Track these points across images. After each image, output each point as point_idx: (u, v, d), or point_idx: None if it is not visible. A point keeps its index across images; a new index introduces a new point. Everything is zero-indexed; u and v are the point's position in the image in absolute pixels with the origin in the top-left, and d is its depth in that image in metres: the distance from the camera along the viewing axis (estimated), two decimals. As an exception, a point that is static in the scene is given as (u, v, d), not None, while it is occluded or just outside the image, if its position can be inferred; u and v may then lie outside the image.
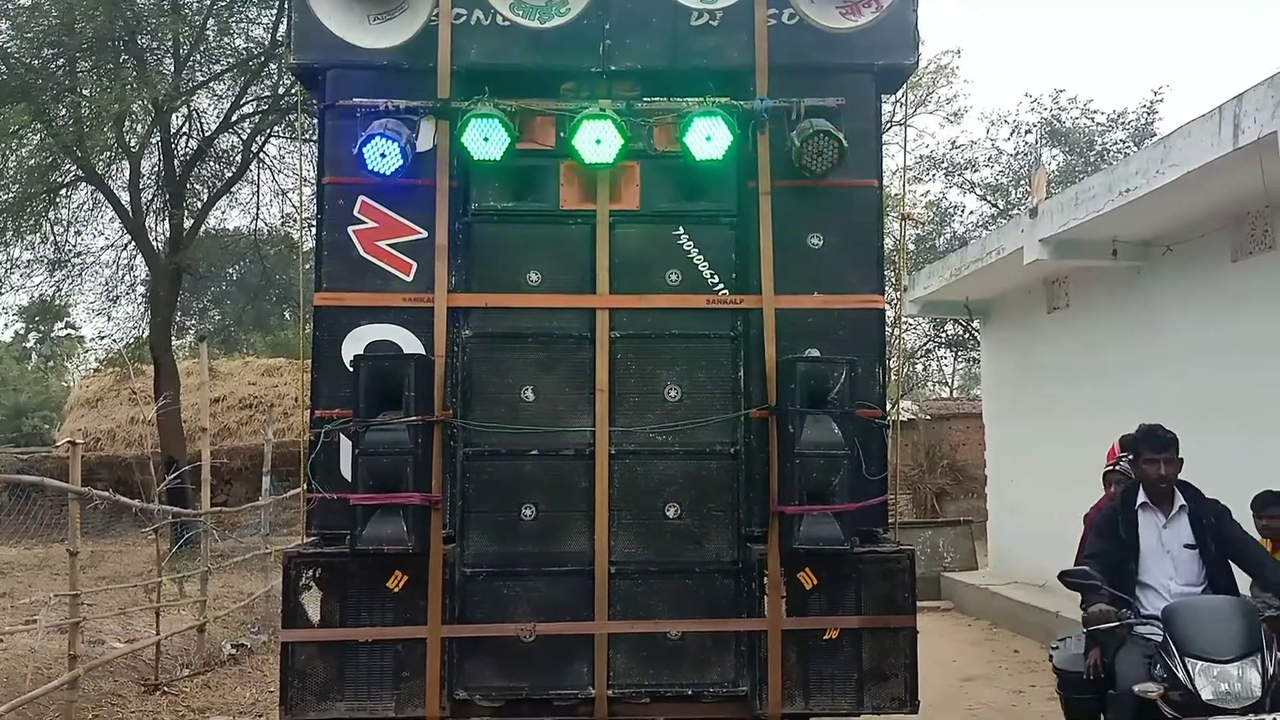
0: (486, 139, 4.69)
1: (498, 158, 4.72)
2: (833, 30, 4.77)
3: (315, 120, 5.22)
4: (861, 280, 4.90)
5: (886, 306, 5.08)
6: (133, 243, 18.01)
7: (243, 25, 16.50)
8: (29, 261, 18.70)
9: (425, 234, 4.82)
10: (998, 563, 12.35)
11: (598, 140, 4.69)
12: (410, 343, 4.77)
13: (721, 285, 4.91)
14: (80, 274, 19.29)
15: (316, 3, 4.71)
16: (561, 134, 4.85)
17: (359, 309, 4.81)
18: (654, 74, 4.91)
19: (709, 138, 4.71)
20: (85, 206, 18.27)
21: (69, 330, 42.69)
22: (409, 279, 4.82)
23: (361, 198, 4.83)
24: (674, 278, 4.90)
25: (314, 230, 5.07)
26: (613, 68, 4.89)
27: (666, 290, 4.90)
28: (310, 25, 4.80)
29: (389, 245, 4.84)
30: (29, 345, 44.23)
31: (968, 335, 23.95)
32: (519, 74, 4.89)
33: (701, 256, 4.92)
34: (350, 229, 4.83)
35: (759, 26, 4.86)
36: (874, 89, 5.01)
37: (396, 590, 4.55)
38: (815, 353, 4.73)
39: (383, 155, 4.66)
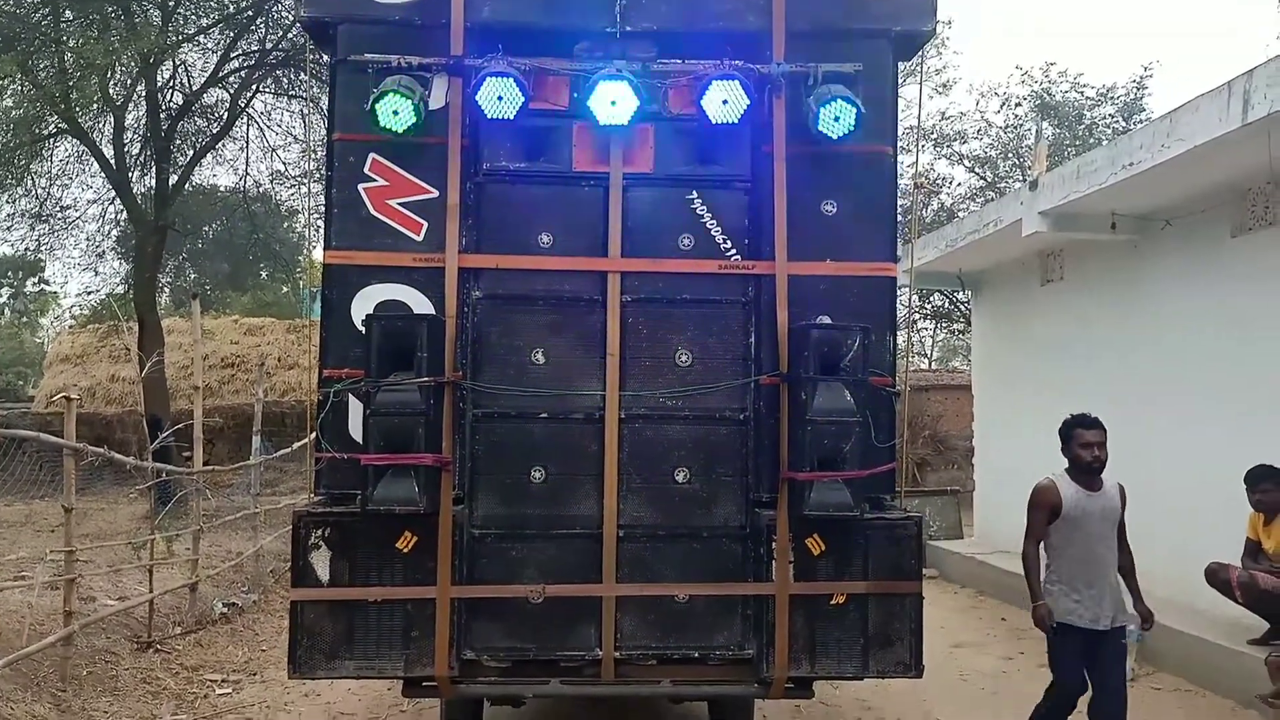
0: (500, 98, 4.61)
1: (511, 117, 4.65)
2: (852, -6, 4.75)
3: (307, 77, 5.12)
4: (874, 248, 4.88)
5: (898, 274, 5.07)
6: (117, 198, 17.80)
7: (231, -22, 16.27)
8: (10, 215, 18.50)
9: (436, 193, 4.77)
10: (984, 532, 12.48)
11: (612, 101, 4.63)
12: (420, 303, 4.73)
13: (734, 251, 4.88)
14: (64, 229, 19.08)
15: (330, -45, 4.64)
16: (576, 94, 4.79)
17: (368, 268, 4.76)
18: (670, 36, 4.84)
19: (725, 101, 4.65)
20: (69, 160, 18.05)
21: (43, 286, 42.33)
22: (419, 238, 4.77)
23: (372, 155, 4.77)
24: (687, 242, 4.87)
25: (318, 187, 5.01)
26: (628, 29, 4.81)
27: (679, 255, 4.87)
28: (323, -22, 4.75)
29: (399, 204, 4.79)
30: (1, 300, 43.82)
31: (952, 307, 24.07)
32: (533, 32, 4.82)
33: (715, 221, 4.89)
34: (360, 187, 4.77)
35: None
36: (891, 55, 4.98)
37: (406, 551, 4.55)
38: (826, 319, 4.72)
39: (395, 112, 4.58)
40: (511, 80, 4.58)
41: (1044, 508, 5.17)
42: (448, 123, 4.76)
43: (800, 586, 4.64)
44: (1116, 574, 5.24)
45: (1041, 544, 5.26)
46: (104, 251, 20.04)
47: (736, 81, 4.61)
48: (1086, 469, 5.18)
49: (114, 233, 19.80)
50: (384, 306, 4.69)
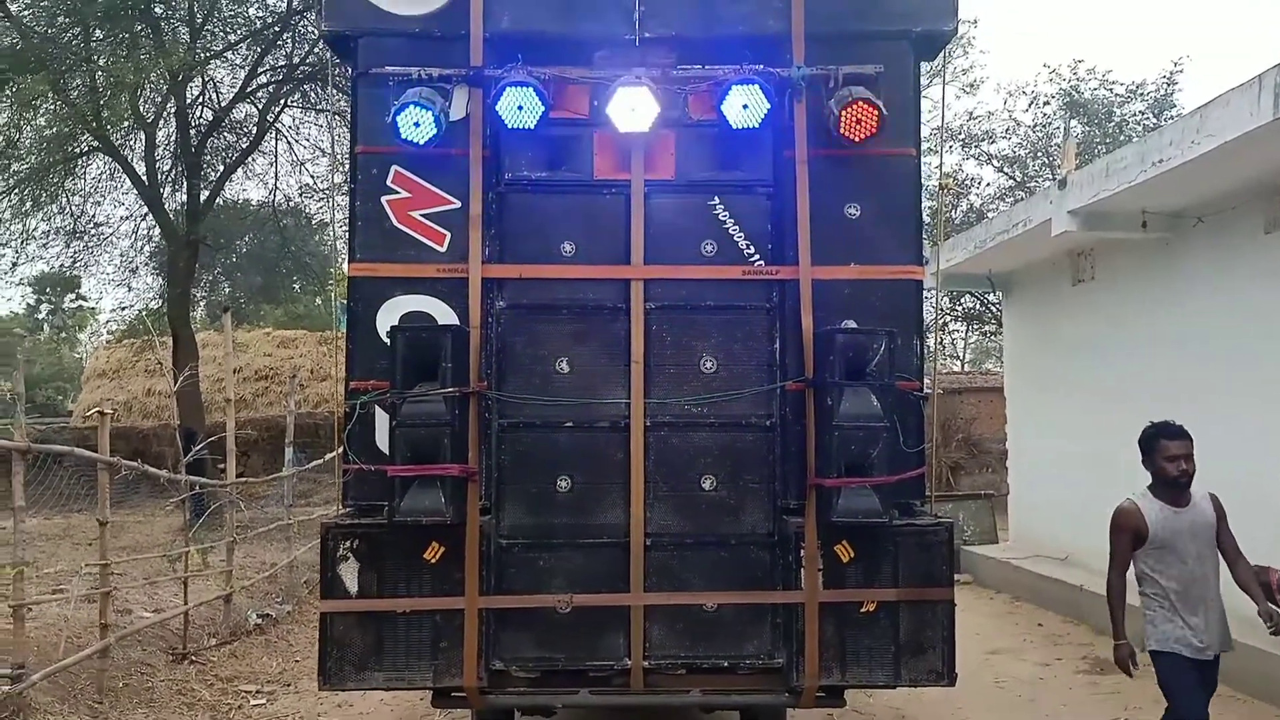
0: (521, 107, 4.64)
1: (531, 126, 4.67)
2: (872, -5, 4.72)
3: (332, 90, 5.14)
4: (899, 251, 4.84)
5: (925, 277, 5.02)
6: (149, 214, 18.01)
7: (258, -6, 16.45)
8: (46, 233, 18.76)
9: (459, 204, 4.79)
10: (1019, 536, 12.33)
11: (632, 108, 4.64)
12: (444, 314, 4.74)
13: (757, 256, 4.86)
14: (98, 245, 19.33)
15: (349, -31, 4.68)
16: (596, 102, 4.80)
17: (393, 279, 4.78)
18: (689, 41, 4.85)
19: (745, 106, 4.65)
20: (102, 177, 18.28)
21: (80, 302, 42.97)
22: (442, 249, 4.78)
23: (394, 167, 4.80)
24: (709, 248, 4.86)
25: (343, 200, 5.04)
26: (647, 35, 4.82)
27: (702, 261, 4.85)
28: (343, -8, 4.79)
29: (422, 215, 4.81)
30: (40, 316, 44.51)
31: (983, 308, 23.86)
32: (552, 41, 4.84)
33: (737, 227, 4.87)
34: (383, 199, 4.80)
35: None
36: (912, 56, 4.94)
37: (433, 561, 4.56)
38: (852, 324, 4.68)
39: (416, 124, 4.62)
40: (531, 90, 4.60)
41: (1126, 532, 4.69)
42: (469, 133, 4.78)
43: (830, 594, 4.60)
44: (1220, 596, 4.72)
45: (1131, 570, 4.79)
46: (137, 267, 20.29)
47: (756, 86, 4.61)
48: (1173, 483, 4.70)
49: (147, 248, 20.04)
50: (409, 318, 4.71)
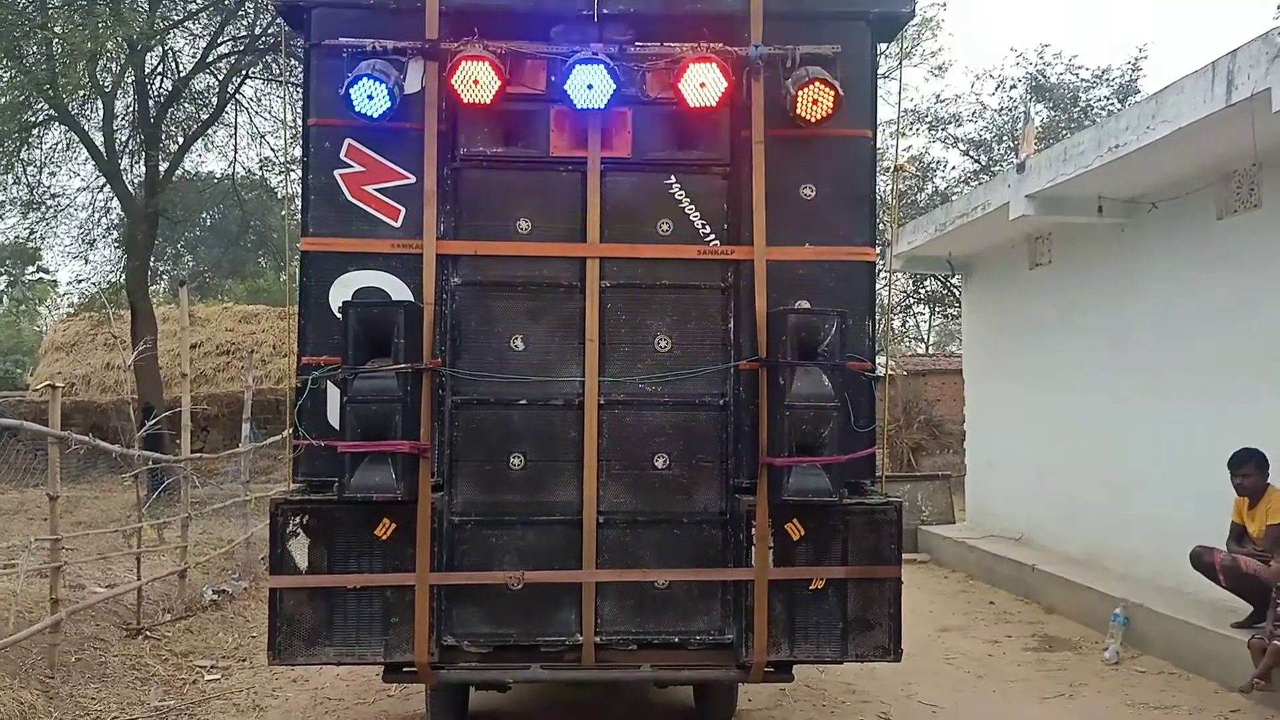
0: (476, 82, 4.60)
1: (487, 101, 4.63)
2: (830, -24, 4.72)
3: (295, 62, 5.07)
4: (853, 232, 4.86)
5: (877, 259, 5.05)
6: (107, 185, 17.73)
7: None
8: (1, 203, 18.44)
9: (413, 179, 4.75)
10: (975, 517, 12.49)
11: (589, 85, 4.61)
12: (398, 289, 4.71)
13: (713, 235, 4.87)
14: (54, 216, 19.03)
15: (303, -62, 4.61)
16: (553, 78, 4.77)
17: (346, 254, 4.74)
18: (647, 18, 4.84)
19: (703, 84, 4.63)
20: (59, 147, 17.97)
21: (41, 274, 42.27)
22: (397, 225, 4.75)
23: (348, 140, 4.75)
24: (665, 227, 4.86)
25: (299, 174, 4.98)
26: (605, 11, 4.78)
27: (657, 240, 4.85)
28: (296, -39, 4.72)
29: (376, 190, 4.77)
30: (0, 289, 43.75)
31: (946, 291, 24.03)
32: (509, 16, 4.80)
33: (693, 206, 4.87)
34: (337, 172, 4.75)
35: None
36: (869, 37, 4.94)
37: (385, 538, 4.55)
38: (806, 304, 4.71)
39: (370, 97, 4.56)
40: (487, 64, 4.56)
41: None
42: (424, 107, 4.73)
43: (779, 572, 4.64)
44: None
45: None
46: (95, 240, 20.01)
47: (714, 64, 4.59)
48: None
49: (105, 221, 19.75)
50: (362, 293, 4.67)
